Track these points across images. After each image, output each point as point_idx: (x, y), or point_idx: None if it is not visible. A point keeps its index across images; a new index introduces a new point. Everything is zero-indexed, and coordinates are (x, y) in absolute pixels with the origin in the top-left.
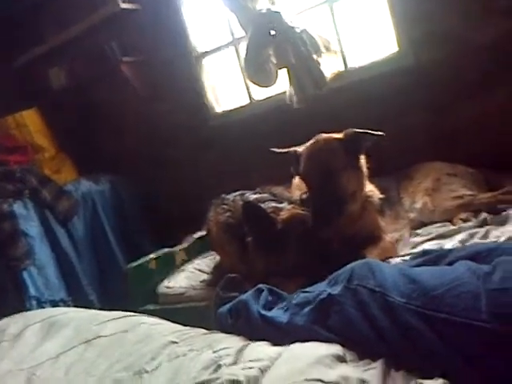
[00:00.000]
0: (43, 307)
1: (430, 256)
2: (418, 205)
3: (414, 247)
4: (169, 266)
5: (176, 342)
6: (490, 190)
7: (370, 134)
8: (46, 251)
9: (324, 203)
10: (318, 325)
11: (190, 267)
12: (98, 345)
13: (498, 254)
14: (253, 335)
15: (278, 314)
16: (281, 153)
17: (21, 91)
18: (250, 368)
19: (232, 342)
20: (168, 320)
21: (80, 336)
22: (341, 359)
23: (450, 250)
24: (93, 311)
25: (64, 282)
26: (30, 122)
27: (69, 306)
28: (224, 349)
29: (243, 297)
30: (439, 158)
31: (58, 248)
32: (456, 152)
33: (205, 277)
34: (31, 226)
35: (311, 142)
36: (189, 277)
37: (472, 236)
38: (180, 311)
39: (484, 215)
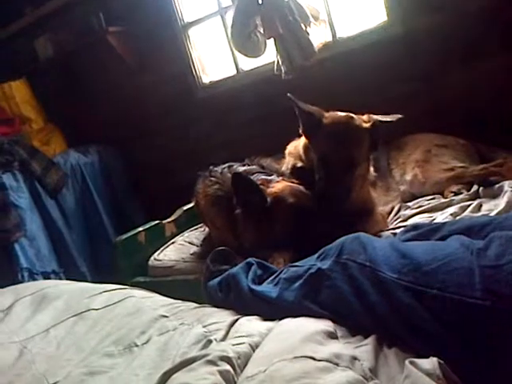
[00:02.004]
0: (35, 279)
1: (422, 230)
2: (409, 177)
3: (404, 220)
4: (158, 239)
5: (166, 316)
6: (481, 162)
7: (391, 122)
8: (36, 223)
9: (335, 189)
10: (309, 300)
11: (180, 239)
12: (88, 318)
13: (491, 229)
14: (243, 309)
15: (268, 288)
16: (299, 107)
17: (7, 63)
18: (240, 344)
19: (222, 317)
20: (158, 293)
21: (71, 309)
22: (332, 336)
23: (442, 224)
24: (83, 284)
25: (55, 253)
26: (18, 93)
27: (60, 277)
28: (214, 323)
29: (233, 270)
30: (430, 128)
31: (48, 220)
32: (446, 123)
33: (195, 249)
34: (21, 197)
35: (338, 117)
36: (178, 249)
37: (464, 209)
38: (170, 284)
39: (475, 188)
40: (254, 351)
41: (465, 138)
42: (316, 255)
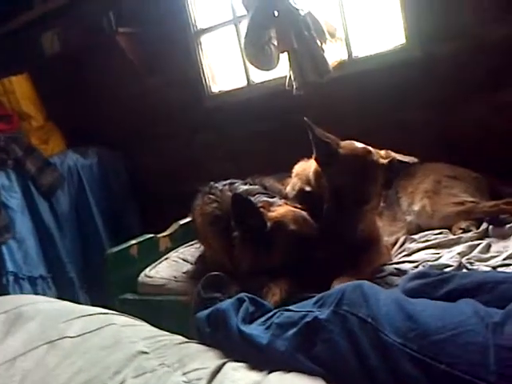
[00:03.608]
0: (20, 284)
1: (430, 280)
2: (416, 207)
3: (409, 254)
4: (151, 253)
5: (146, 353)
6: (493, 198)
7: (407, 162)
8: (26, 224)
9: (344, 223)
10: (302, 352)
11: (174, 255)
12: (61, 348)
13: (505, 288)
14: (230, 351)
15: (259, 331)
16: (315, 134)
17: (11, 56)
18: None
19: (206, 361)
20: (144, 316)
21: (44, 333)
22: None
23: (452, 276)
24: (63, 303)
25: (44, 257)
26: (19, 88)
27: (47, 282)
28: (196, 370)
29: (223, 306)
30: (441, 158)
31: (39, 222)
32: (459, 153)
33: (188, 267)
34: (13, 197)
35: (356, 150)
36: (171, 266)
37: (472, 249)
38: (159, 304)
39: (485, 226)
40: None
41: (477, 171)
42: (314, 300)
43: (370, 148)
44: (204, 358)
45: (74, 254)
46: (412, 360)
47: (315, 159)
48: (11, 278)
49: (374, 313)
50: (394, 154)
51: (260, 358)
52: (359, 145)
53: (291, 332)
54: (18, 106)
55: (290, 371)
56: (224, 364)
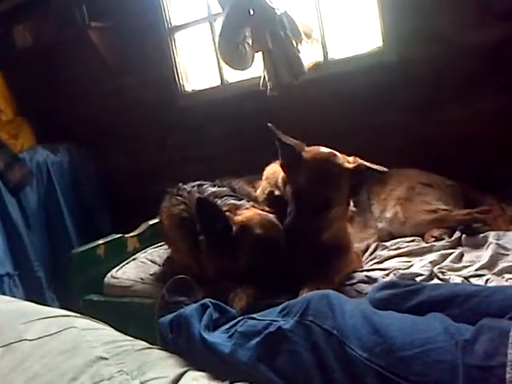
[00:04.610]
0: None
1: (399, 290)
2: (389, 214)
3: (380, 262)
4: (119, 254)
5: (105, 358)
6: (467, 207)
7: (376, 170)
8: None
9: (304, 228)
10: (264, 363)
11: (142, 256)
12: (18, 351)
13: (476, 302)
14: (193, 359)
15: (221, 340)
16: (279, 139)
17: None
18: None
19: (166, 369)
20: (112, 314)
21: (2, 336)
22: None
23: (422, 287)
24: (24, 304)
25: (11, 254)
26: None
27: (14, 280)
28: (155, 379)
29: (186, 311)
30: (415, 164)
31: (6, 218)
32: (433, 160)
33: (156, 269)
34: None
35: (320, 153)
36: (139, 267)
37: (444, 257)
38: (124, 306)
39: (458, 234)
40: None
41: (452, 178)
42: (279, 308)
43: (336, 153)
44: (164, 365)
45: (41, 252)
46: (378, 376)
47: (280, 165)
48: None
49: (339, 325)
50: (361, 161)
51: (222, 368)
52: (325, 149)
53: (254, 341)
54: None
55: (251, 383)
56: (184, 373)
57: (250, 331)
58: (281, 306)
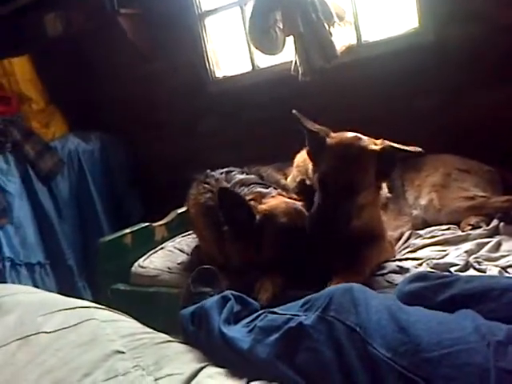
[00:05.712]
0: (17, 269)
1: (430, 283)
2: (423, 201)
3: (414, 251)
4: (146, 243)
5: (122, 352)
6: (506, 193)
7: (407, 150)
8: (25, 209)
9: (331, 216)
10: (283, 360)
11: (170, 245)
12: (35, 344)
13: None
14: (212, 354)
15: (240, 335)
16: (304, 125)
17: (11, 37)
18: None
19: (183, 365)
20: (138, 303)
21: (21, 327)
22: None
23: (454, 280)
24: (45, 295)
25: (42, 243)
26: (19, 70)
27: (45, 269)
28: (170, 375)
29: (207, 303)
30: (452, 149)
31: (38, 207)
32: (471, 144)
33: (183, 258)
34: (11, 181)
35: (344, 137)
36: (166, 256)
37: (480, 247)
38: (151, 295)
39: (496, 222)
40: None
41: (490, 164)
42: (301, 302)
43: (361, 136)
44: (182, 361)
45: (73, 240)
46: (400, 377)
47: (307, 152)
48: (8, 264)
49: (363, 321)
50: (388, 142)
51: (240, 364)
52: (350, 134)
53: (273, 337)
54: (18, 88)
55: (270, 381)
56: (201, 369)
57: (270, 326)
58: (303, 300)
